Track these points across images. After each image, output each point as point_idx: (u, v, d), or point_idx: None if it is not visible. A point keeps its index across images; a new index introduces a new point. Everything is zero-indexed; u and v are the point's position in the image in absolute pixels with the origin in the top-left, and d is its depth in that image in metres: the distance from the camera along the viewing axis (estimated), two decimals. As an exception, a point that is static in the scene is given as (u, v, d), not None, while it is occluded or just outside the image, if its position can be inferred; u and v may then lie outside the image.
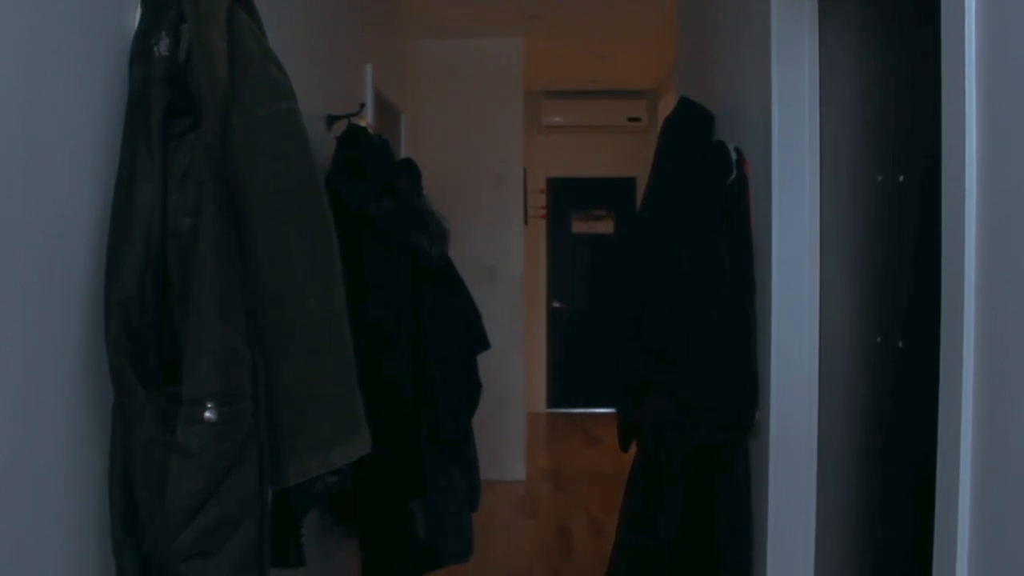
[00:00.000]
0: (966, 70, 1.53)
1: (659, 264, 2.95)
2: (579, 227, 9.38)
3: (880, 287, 2.67)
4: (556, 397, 9.32)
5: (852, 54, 2.69)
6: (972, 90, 1.52)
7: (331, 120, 3.26)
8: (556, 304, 9.30)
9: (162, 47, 1.66)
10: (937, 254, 1.64)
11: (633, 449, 3.19)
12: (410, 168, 3.45)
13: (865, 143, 2.69)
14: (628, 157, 8.76)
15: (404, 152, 4.69)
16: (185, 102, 1.64)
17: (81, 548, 1.59)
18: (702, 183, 2.95)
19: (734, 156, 2.93)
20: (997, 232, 1.47)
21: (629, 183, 8.87)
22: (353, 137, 3.16)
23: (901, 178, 2.57)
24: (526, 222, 7.21)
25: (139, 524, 1.61)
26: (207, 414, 1.56)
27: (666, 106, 6.70)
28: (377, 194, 3.03)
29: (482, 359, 3.50)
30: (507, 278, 6.76)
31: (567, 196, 9.31)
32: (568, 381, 9.25)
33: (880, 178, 2.64)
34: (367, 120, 3.46)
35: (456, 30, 6.50)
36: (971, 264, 1.53)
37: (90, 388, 1.60)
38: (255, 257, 1.68)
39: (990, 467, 1.48)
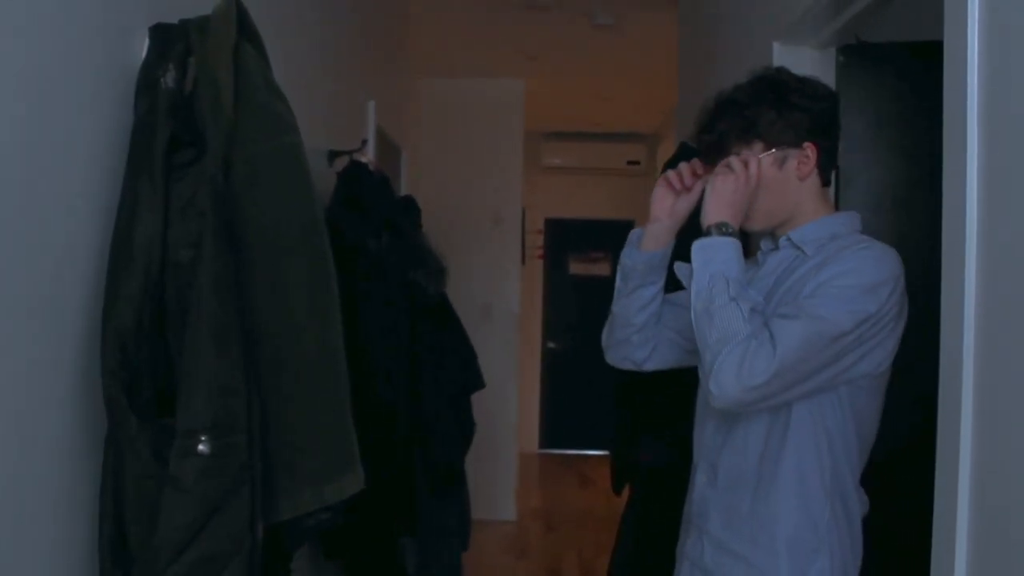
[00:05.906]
0: (968, 111, 1.54)
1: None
2: (576, 268, 9.39)
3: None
4: (549, 438, 9.26)
5: (856, 97, 2.71)
6: (974, 134, 1.53)
7: (332, 155, 3.27)
8: (551, 345, 9.28)
9: (168, 79, 1.66)
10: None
11: (625, 492, 3.17)
12: (410, 206, 3.46)
13: (871, 189, 2.71)
14: (626, 200, 8.78)
15: (404, 189, 4.70)
16: (189, 134, 1.64)
17: (69, 579, 1.57)
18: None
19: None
20: (998, 265, 1.48)
21: (627, 226, 8.84)
22: (354, 173, 3.16)
23: (908, 223, 2.60)
24: (523, 262, 7.22)
25: (129, 556, 1.59)
26: (200, 447, 1.55)
27: (665, 150, 6.74)
28: (377, 230, 3.04)
29: (476, 398, 3.49)
30: (503, 317, 6.75)
31: (565, 237, 9.32)
32: (561, 422, 9.21)
33: (888, 219, 2.67)
34: (368, 156, 3.47)
35: (458, 70, 6.55)
36: (971, 293, 1.54)
37: (84, 417, 1.59)
38: (253, 291, 1.68)
39: (989, 474, 1.48)
